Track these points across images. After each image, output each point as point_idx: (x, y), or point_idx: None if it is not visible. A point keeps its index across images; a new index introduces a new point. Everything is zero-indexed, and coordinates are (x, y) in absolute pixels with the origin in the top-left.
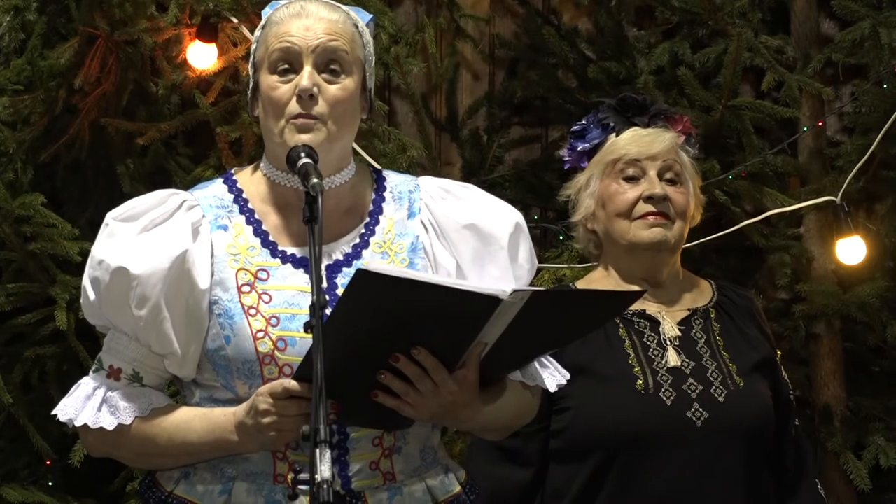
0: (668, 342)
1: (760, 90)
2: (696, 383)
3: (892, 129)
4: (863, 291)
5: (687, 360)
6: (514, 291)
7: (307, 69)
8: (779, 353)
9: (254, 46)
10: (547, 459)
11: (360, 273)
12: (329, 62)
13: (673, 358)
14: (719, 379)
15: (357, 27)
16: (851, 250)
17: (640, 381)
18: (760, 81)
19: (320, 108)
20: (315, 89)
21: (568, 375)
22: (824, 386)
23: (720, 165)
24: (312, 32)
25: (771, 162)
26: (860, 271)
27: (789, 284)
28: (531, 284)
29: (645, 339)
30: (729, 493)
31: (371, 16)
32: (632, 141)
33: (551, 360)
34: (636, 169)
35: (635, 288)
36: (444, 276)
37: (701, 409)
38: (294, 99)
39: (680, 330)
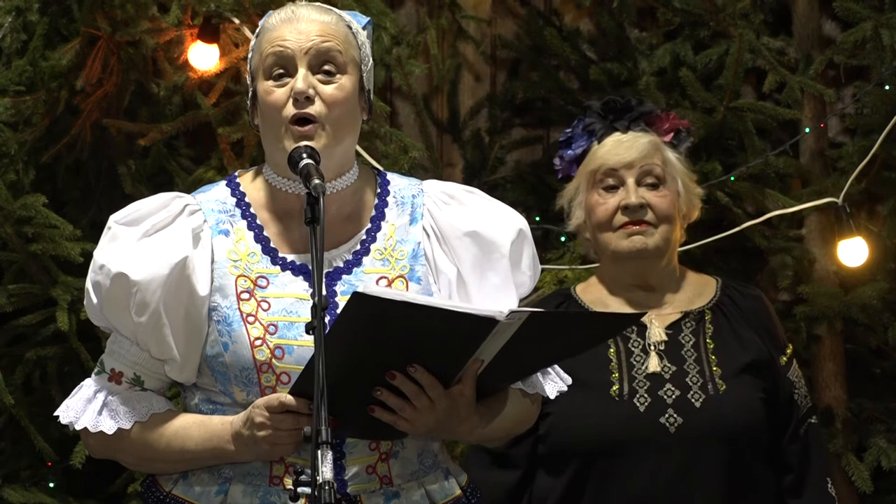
0: (652, 347)
1: (762, 91)
2: (673, 389)
3: (894, 130)
4: (864, 293)
5: (668, 366)
6: (511, 312)
7: (301, 71)
8: (788, 351)
9: (249, 55)
10: (535, 463)
11: (356, 296)
12: (323, 63)
13: (653, 363)
14: (699, 384)
15: (350, 28)
16: (853, 252)
17: (615, 388)
18: (762, 83)
19: (317, 108)
20: (311, 91)
21: (569, 381)
22: (826, 387)
23: (722, 167)
24: (305, 35)
25: (772, 163)
26: (862, 273)
27: (791, 286)
28: (533, 290)
29: (630, 345)
30: (709, 497)
31: (368, 19)
32: (610, 150)
33: (554, 366)
34: (615, 178)
35: (629, 296)
36: (446, 285)
37: (675, 415)
38: (290, 102)
39: (667, 334)
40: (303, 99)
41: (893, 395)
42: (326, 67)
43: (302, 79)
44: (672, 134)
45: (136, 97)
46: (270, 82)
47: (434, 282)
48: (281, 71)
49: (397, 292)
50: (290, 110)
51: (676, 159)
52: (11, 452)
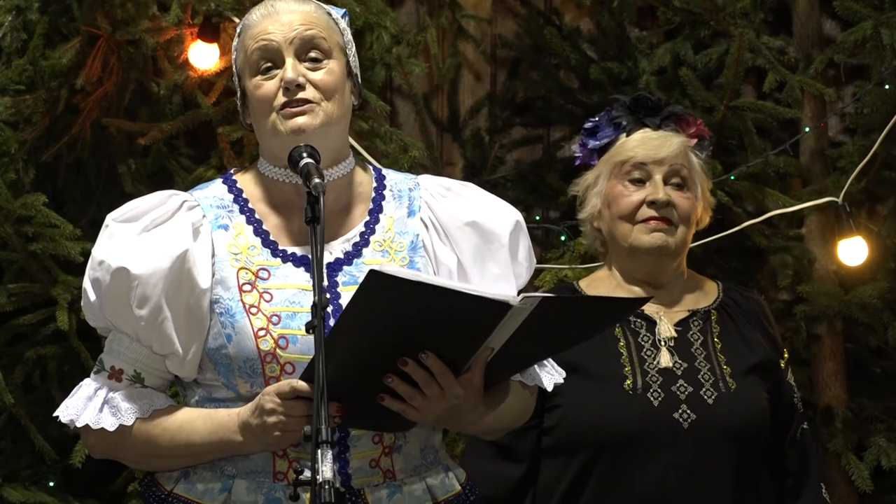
0: (663, 343)
1: (762, 91)
2: (686, 384)
3: (894, 129)
4: (864, 292)
5: (680, 362)
6: (524, 297)
7: (289, 61)
8: (786, 355)
9: (234, 56)
10: (539, 456)
11: (372, 274)
12: (309, 50)
13: (665, 359)
14: (711, 381)
15: (330, 15)
16: (853, 251)
17: (628, 381)
18: (762, 82)
19: (309, 94)
20: (301, 79)
21: (564, 374)
22: (826, 387)
23: (722, 166)
24: (287, 26)
25: (773, 163)
26: (862, 272)
27: (791, 285)
28: (532, 286)
29: (640, 340)
30: (716, 494)
31: (344, 10)
32: (640, 144)
33: (549, 358)
34: (642, 172)
35: (637, 290)
36: (446, 276)
37: (689, 411)
38: (280, 92)
39: (676, 331)
40: (293, 87)
41: (893, 394)
42: (312, 54)
43: (291, 68)
44: (696, 140)
45: (137, 96)
46: (259, 77)
47: (434, 273)
48: (269, 64)
49: (413, 272)
50: (280, 100)
51: (699, 165)
52: (11, 451)
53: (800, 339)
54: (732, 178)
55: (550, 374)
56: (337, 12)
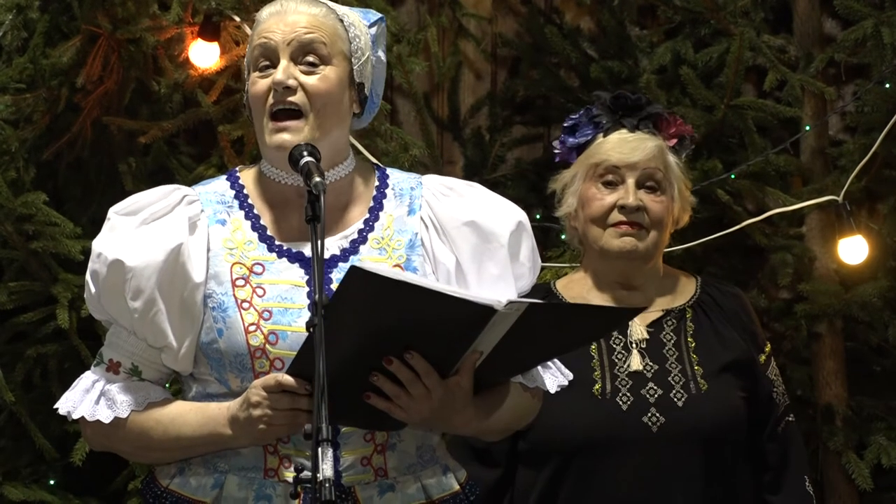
0: (634, 345)
1: (763, 89)
2: (655, 387)
3: (895, 128)
4: (865, 291)
5: (650, 364)
6: (510, 302)
7: (283, 63)
8: (767, 349)
9: (247, 51)
10: (515, 460)
11: (353, 270)
12: (306, 54)
13: (636, 362)
14: (681, 383)
15: (342, 21)
16: (853, 250)
17: (597, 386)
18: (763, 81)
19: (298, 98)
20: (291, 81)
21: (570, 376)
22: (826, 385)
23: (722, 165)
24: (290, 27)
25: (773, 161)
26: (862, 271)
27: (791, 284)
28: (531, 288)
29: (612, 342)
30: (687, 496)
31: (380, 16)
32: (615, 147)
33: (555, 360)
34: (615, 175)
35: (606, 296)
36: (444, 276)
37: (658, 414)
38: (271, 92)
39: (648, 332)
40: (282, 89)
41: (894, 392)
42: (309, 59)
43: (282, 70)
44: (676, 139)
45: (137, 95)
46: (256, 74)
47: (432, 272)
48: (266, 62)
49: (396, 272)
50: (269, 101)
51: (676, 164)
52: (12, 450)
53: (800, 338)
54: (733, 176)
55: (555, 376)
56: (368, 19)
